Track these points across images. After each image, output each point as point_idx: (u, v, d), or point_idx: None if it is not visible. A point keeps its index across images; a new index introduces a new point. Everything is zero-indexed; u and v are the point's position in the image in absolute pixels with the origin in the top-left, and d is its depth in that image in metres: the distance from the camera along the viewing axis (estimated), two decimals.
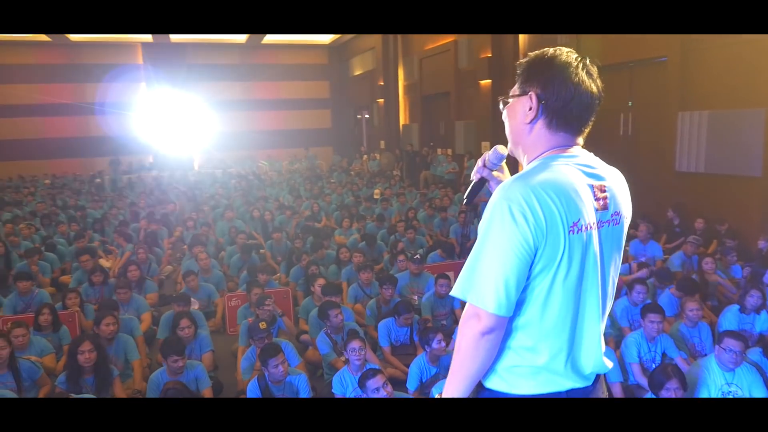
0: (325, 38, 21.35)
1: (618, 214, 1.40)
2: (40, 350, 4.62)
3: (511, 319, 1.32)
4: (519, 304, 1.31)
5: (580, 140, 1.43)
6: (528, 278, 1.29)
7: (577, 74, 1.34)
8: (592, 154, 1.43)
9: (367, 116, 20.69)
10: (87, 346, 3.89)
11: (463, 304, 1.33)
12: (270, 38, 20.38)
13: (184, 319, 4.53)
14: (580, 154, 1.40)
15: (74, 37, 19.11)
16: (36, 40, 19.07)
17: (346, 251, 6.77)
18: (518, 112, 1.42)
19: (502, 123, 1.48)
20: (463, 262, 1.32)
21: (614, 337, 4.82)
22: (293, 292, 6.20)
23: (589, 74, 1.36)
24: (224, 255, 7.91)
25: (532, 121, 1.39)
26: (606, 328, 1.47)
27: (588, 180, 1.35)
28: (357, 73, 20.84)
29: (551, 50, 1.39)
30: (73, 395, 3.75)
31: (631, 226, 2.31)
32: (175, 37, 19.74)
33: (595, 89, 1.37)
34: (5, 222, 9.89)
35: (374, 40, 18.22)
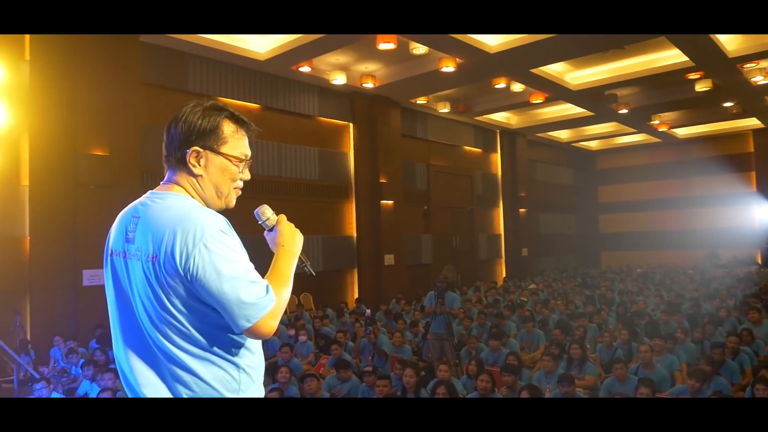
0: None
1: (139, 250, 1.40)
2: None
3: None
4: None
5: (175, 176, 1.51)
6: None
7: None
8: (175, 194, 1.46)
9: None
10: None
11: None
12: None
13: None
14: (159, 190, 1.51)
15: (682, 134, 19.91)
16: (650, 141, 20.92)
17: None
18: None
19: None
20: None
21: None
22: None
23: (179, 114, 1.49)
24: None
25: None
26: None
27: (132, 212, 1.48)
28: None
29: None
30: None
31: None
32: None
33: (170, 125, 1.49)
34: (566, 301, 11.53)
35: None
